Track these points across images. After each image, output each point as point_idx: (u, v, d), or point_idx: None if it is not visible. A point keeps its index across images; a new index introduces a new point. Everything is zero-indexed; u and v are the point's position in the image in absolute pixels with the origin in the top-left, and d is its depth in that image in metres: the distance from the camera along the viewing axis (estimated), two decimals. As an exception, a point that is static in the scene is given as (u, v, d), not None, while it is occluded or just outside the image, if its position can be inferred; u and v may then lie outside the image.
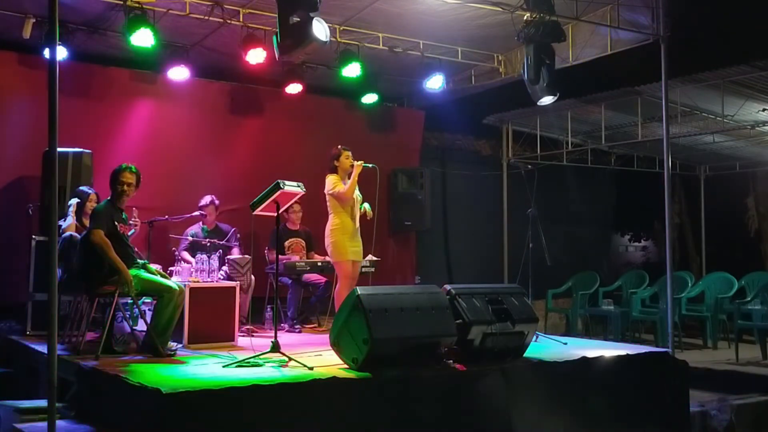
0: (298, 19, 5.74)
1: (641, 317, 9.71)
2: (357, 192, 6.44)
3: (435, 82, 8.60)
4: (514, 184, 10.32)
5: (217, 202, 7.61)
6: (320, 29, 5.99)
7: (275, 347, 5.02)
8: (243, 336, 6.08)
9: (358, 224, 6.47)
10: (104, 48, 7.81)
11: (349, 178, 6.36)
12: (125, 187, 5.48)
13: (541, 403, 5.04)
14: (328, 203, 6.44)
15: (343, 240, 6.34)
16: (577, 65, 7.97)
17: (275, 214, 5.40)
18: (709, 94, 8.54)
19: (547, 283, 10.24)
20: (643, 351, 6.21)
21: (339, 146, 6.53)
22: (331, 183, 6.39)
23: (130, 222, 5.88)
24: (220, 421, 3.88)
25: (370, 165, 6.39)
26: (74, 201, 6.29)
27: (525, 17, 6.83)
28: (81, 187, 6.46)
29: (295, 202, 7.61)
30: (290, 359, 4.85)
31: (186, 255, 7.09)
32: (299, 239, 7.89)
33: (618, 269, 12.68)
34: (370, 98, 8.96)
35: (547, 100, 7.33)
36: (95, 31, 7.47)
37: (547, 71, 7.03)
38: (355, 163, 6.35)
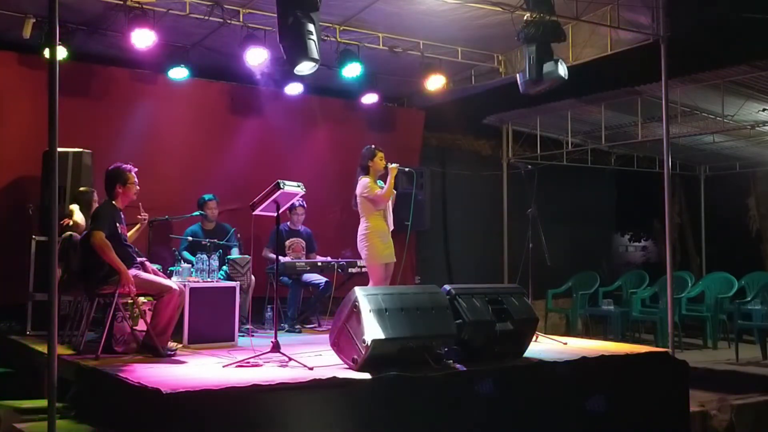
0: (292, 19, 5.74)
1: (641, 317, 9.71)
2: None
3: (435, 82, 8.60)
4: (514, 184, 10.31)
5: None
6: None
7: (275, 347, 5.02)
8: (243, 336, 6.08)
9: (391, 226, 6.30)
10: (104, 48, 7.81)
11: (380, 179, 6.22)
12: (137, 188, 5.51)
13: (540, 404, 5.04)
14: (359, 206, 6.23)
15: (378, 243, 6.14)
16: (577, 65, 7.96)
17: (275, 214, 5.40)
18: (709, 94, 8.54)
19: (547, 283, 10.24)
20: (643, 351, 6.22)
21: (372, 146, 6.32)
22: (367, 186, 6.17)
23: (139, 216, 5.90)
24: (220, 421, 3.88)
25: (407, 168, 6.24)
26: (76, 207, 6.34)
27: (525, 17, 6.83)
28: (84, 189, 6.48)
29: (300, 204, 7.68)
30: (290, 359, 4.86)
31: (185, 255, 7.09)
32: (299, 239, 7.89)
33: (618, 269, 12.68)
34: (370, 98, 8.96)
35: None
36: (95, 31, 7.47)
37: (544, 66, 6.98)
38: (390, 165, 6.16)
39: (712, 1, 8.82)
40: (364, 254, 6.20)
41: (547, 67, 6.91)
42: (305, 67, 6.03)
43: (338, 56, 7.98)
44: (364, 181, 6.23)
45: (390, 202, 6.32)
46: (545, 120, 10.07)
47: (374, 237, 6.15)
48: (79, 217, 6.30)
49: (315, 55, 5.87)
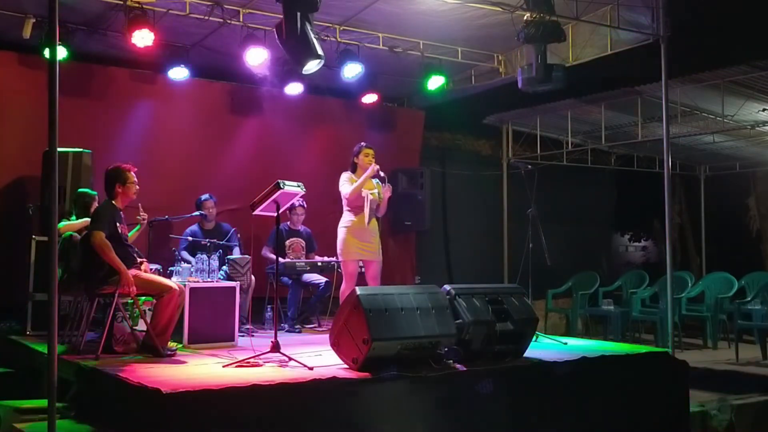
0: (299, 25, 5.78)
1: (641, 317, 9.71)
2: (377, 192, 6.25)
3: (435, 83, 8.59)
4: (514, 184, 10.31)
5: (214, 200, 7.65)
6: None
7: (275, 347, 5.02)
8: (243, 336, 6.08)
9: (369, 223, 6.26)
10: (104, 48, 7.82)
11: (374, 177, 6.23)
12: (136, 188, 5.50)
13: (540, 404, 5.04)
14: (343, 200, 6.32)
15: (350, 239, 6.19)
16: (577, 65, 7.97)
17: (275, 214, 5.40)
18: (709, 94, 8.54)
19: (547, 283, 10.24)
20: (643, 351, 6.22)
21: (362, 144, 6.38)
22: (341, 181, 6.24)
23: (138, 216, 5.89)
24: (220, 421, 3.88)
25: (377, 167, 6.23)
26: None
27: (525, 17, 6.83)
28: (85, 190, 6.47)
29: (299, 204, 7.68)
30: (290, 359, 4.86)
31: (185, 255, 7.09)
32: (299, 239, 7.89)
33: (618, 269, 12.68)
34: (370, 98, 8.96)
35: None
36: (95, 31, 7.47)
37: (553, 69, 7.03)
38: (373, 166, 6.19)
39: (712, 1, 8.84)
40: (337, 248, 6.29)
41: (555, 69, 6.96)
42: (312, 66, 6.07)
43: (338, 56, 7.97)
44: (342, 177, 6.32)
45: (367, 199, 6.22)
46: (545, 120, 10.07)
47: (346, 232, 6.21)
48: (69, 224, 6.22)
49: (320, 52, 5.93)
